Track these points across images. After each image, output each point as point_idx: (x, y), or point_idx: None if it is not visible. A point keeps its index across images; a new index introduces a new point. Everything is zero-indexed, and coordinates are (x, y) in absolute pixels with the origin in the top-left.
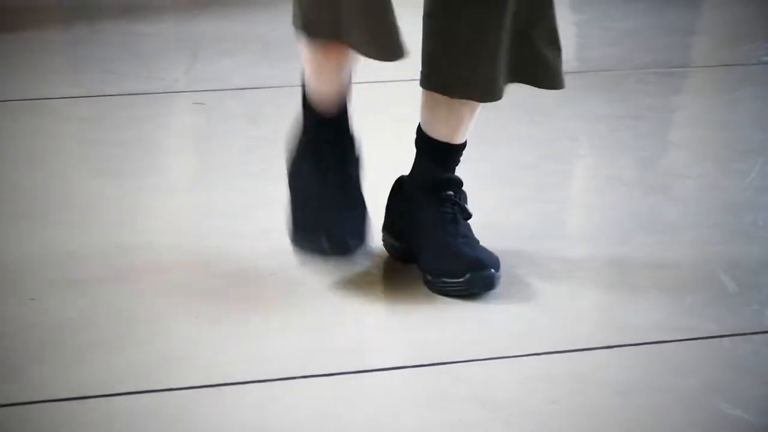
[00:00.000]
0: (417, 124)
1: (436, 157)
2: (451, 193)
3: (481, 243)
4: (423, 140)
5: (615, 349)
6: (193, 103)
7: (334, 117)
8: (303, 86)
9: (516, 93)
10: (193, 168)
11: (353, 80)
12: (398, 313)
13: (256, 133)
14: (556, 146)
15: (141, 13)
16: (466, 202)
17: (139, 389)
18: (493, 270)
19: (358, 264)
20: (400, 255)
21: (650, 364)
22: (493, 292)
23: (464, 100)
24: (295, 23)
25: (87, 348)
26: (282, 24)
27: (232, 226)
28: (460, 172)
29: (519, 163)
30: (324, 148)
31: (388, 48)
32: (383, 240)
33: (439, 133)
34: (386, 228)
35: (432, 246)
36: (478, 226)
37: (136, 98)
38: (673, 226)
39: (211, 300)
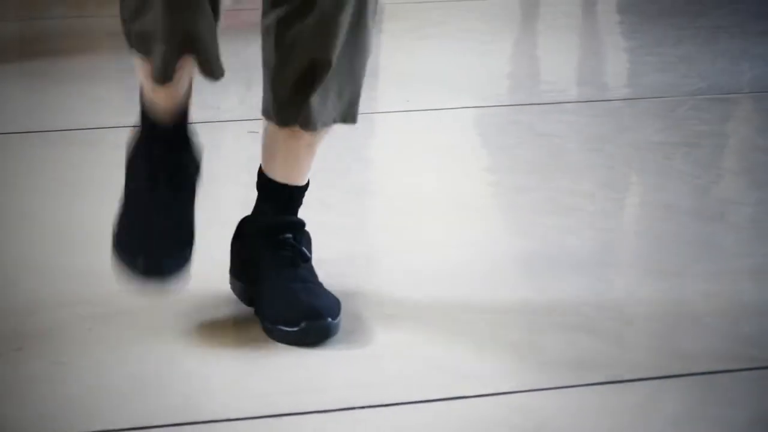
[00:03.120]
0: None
1: (276, 199)
2: (290, 236)
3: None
4: (262, 181)
5: (671, 379)
6: (248, 132)
7: (171, 125)
8: (140, 89)
9: (568, 121)
10: (249, 197)
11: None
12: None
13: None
14: (610, 174)
15: None
16: (308, 245)
17: (186, 421)
18: (329, 319)
19: (175, 289)
20: (244, 298)
21: (706, 395)
22: (540, 315)
23: (299, 137)
24: (127, 40)
25: (138, 379)
26: None
27: None
28: (513, 199)
29: (574, 191)
30: (157, 156)
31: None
32: (230, 282)
33: (276, 173)
34: (231, 270)
35: (269, 292)
36: (531, 255)
37: None
38: (729, 253)
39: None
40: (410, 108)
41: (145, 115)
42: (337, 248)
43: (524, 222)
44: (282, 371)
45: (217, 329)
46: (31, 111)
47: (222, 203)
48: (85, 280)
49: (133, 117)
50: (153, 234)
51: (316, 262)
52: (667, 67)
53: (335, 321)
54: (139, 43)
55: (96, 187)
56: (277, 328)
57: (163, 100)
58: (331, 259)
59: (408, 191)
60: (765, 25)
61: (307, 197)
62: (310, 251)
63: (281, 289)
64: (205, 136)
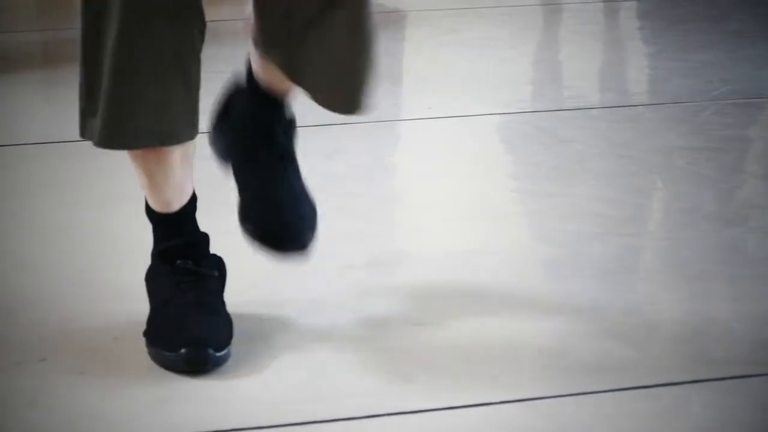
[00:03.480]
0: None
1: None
2: (180, 261)
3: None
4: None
5: (697, 383)
6: None
7: (177, 216)
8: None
9: (591, 127)
10: None
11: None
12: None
13: (332, 170)
14: (634, 179)
15: (217, 50)
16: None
17: (211, 429)
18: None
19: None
20: (222, 161)
21: (733, 399)
22: (566, 321)
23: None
24: (101, 140)
25: (163, 389)
26: None
27: (310, 262)
28: (537, 206)
29: (597, 197)
30: (175, 259)
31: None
32: (212, 136)
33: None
34: (214, 127)
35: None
36: (556, 261)
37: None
38: (754, 258)
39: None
40: (433, 115)
41: (154, 219)
42: (361, 256)
43: (548, 228)
44: (303, 379)
45: (236, 339)
46: (54, 121)
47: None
48: (110, 290)
49: None
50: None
51: (341, 269)
52: (689, 72)
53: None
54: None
55: (122, 199)
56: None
57: (165, 191)
58: (356, 267)
59: (431, 198)
60: None
61: (332, 205)
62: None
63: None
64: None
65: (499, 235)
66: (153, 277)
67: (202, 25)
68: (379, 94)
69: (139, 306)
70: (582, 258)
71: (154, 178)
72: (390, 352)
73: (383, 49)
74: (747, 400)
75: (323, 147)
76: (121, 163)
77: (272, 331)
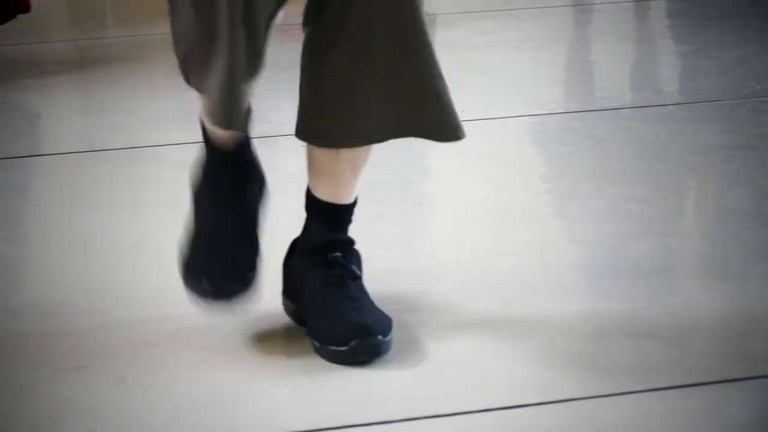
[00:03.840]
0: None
1: (323, 219)
2: (339, 254)
3: (594, 277)
4: (309, 201)
5: (737, 382)
6: (302, 146)
7: (234, 152)
8: (200, 118)
9: (624, 127)
10: (304, 213)
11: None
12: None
13: (366, 176)
14: (669, 179)
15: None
16: (358, 263)
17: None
18: (380, 336)
19: (242, 309)
20: (296, 318)
21: None
22: (603, 321)
23: (339, 155)
24: (184, 74)
25: (202, 396)
26: None
27: None
28: (571, 207)
29: (634, 197)
30: (222, 182)
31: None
32: (282, 303)
33: (321, 192)
34: (283, 290)
35: (318, 311)
36: (592, 262)
37: None
38: None
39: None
40: (465, 118)
41: (207, 142)
42: (395, 260)
43: (583, 229)
44: (342, 385)
45: (277, 346)
46: (89, 130)
47: (277, 219)
48: (148, 298)
49: (190, 134)
50: (218, 258)
51: (375, 273)
52: (723, 70)
53: (386, 338)
54: (197, 81)
55: (158, 206)
56: (327, 348)
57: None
58: (390, 271)
59: (465, 201)
60: None
61: (365, 209)
62: (360, 269)
63: (330, 309)
64: (259, 152)
65: (534, 237)
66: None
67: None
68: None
69: (176, 311)
70: (618, 259)
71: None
72: (424, 356)
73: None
74: None
75: None
76: (152, 170)
77: (305, 340)
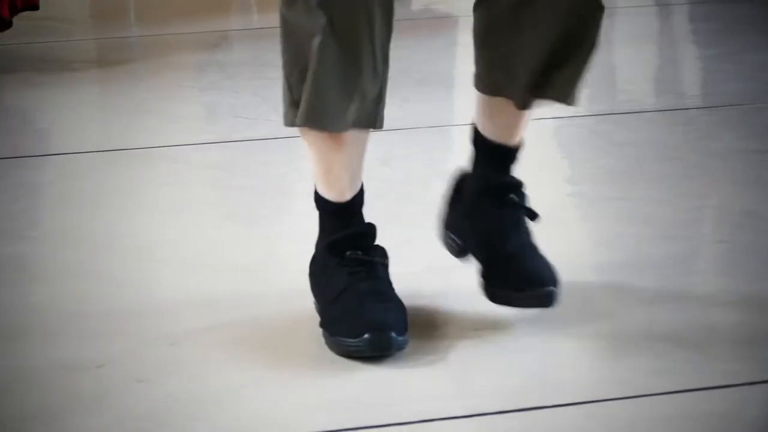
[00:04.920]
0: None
1: (495, 158)
2: (514, 196)
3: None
4: (479, 142)
5: (759, 385)
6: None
7: (349, 205)
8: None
9: (647, 131)
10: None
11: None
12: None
13: (388, 176)
14: (692, 183)
15: (270, 58)
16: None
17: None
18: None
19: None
20: (458, 252)
21: None
22: (625, 324)
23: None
24: (293, 120)
25: (221, 394)
26: (412, 63)
27: None
28: (594, 210)
29: (656, 200)
30: (345, 250)
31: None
32: (443, 237)
33: (494, 135)
34: (447, 225)
35: (497, 256)
36: (614, 265)
37: (267, 143)
38: None
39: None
40: None
41: (324, 209)
42: (414, 260)
43: (607, 232)
44: (363, 385)
45: (297, 345)
46: (109, 129)
47: (295, 218)
48: (168, 296)
49: (211, 134)
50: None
51: (394, 274)
52: (746, 74)
53: (554, 289)
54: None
55: (178, 206)
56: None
57: (339, 168)
58: (412, 273)
59: None
60: None
61: (384, 210)
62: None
63: (507, 255)
64: (284, 153)
65: (556, 240)
66: (322, 271)
67: (388, 15)
68: (433, 99)
69: (195, 311)
70: (642, 262)
71: (332, 166)
72: (444, 357)
73: (435, 54)
74: None
75: (379, 153)
76: (173, 171)
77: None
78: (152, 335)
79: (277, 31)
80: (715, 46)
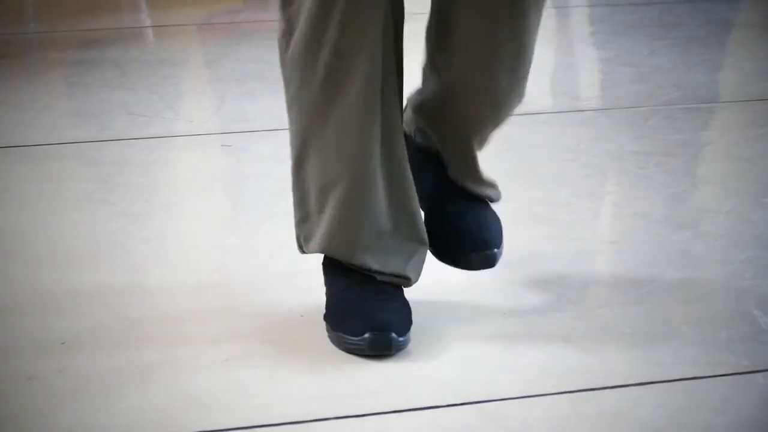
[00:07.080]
0: None
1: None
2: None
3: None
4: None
5: (647, 386)
6: (222, 145)
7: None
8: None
9: (542, 132)
10: (222, 210)
11: None
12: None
13: (285, 174)
14: (584, 184)
15: (167, 56)
16: None
17: (281, 421)
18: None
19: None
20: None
21: (683, 401)
22: (533, 325)
23: None
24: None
25: (119, 390)
26: None
27: (261, 267)
28: (502, 210)
29: (548, 201)
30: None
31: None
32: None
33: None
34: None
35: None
36: (507, 265)
37: (163, 141)
38: (703, 261)
39: (239, 342)
40: None
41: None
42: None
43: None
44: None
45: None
46: (2, 125)
47: (203, 215)
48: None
49: (101, 131)
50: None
51: None
52: (641, 77)
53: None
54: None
55: (76, 201)
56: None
57: None
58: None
59: None
60: (739, 35)
61: None
62: None
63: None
64: (180, 151)
65: None
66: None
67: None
68: None
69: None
70: (533, 262)
71: None
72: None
73: None
74: (695, 402)
75: (276, 152)
76: (68, 166)
77: (225, 337)
78: (41, 333)
79: (170, 29)
80: (612, 48)
